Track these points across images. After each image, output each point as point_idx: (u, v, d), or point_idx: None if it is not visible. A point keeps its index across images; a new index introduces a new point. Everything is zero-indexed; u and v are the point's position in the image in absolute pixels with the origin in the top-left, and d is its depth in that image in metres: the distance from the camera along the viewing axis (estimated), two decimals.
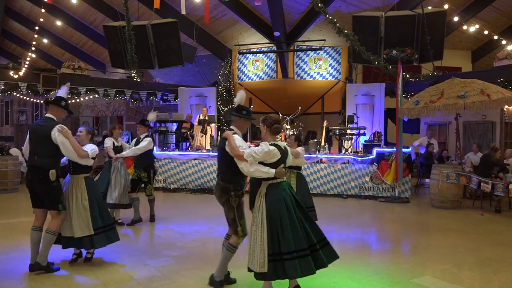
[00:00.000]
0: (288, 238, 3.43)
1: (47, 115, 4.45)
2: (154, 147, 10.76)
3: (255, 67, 13.85)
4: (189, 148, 11.12)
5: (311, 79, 13.35)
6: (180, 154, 10.56)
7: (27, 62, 13.60)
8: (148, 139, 6.55)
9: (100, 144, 9.31)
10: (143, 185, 6.77)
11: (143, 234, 6.18)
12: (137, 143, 6.59)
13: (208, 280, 3.94)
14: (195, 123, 12.04)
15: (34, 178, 4.26)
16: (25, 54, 16.49)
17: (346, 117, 11.56)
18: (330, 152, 10.47)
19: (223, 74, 14.30)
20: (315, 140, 11.02)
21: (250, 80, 13.99)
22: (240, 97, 3.96)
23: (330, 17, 9.90)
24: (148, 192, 6.75)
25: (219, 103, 13.89)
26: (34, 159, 4.27)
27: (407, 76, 10.49)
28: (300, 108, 11.17)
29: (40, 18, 13.88)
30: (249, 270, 3.64)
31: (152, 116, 7.03)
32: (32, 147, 4.34)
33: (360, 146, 10.69)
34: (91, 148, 4.53)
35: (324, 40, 11.57)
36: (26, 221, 6.72)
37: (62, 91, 4.71)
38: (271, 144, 3.59)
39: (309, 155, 9.87)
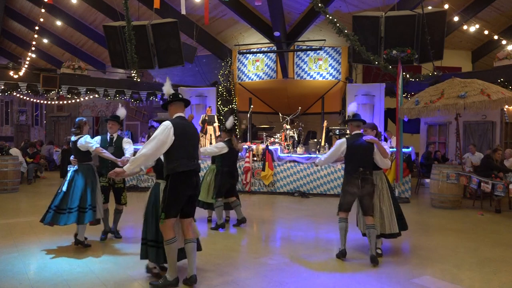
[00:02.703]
0: None
1: (179, 114, 4.05)
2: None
3: (255, 67, 13.85)
4: None
5: (311, 79, 13.35)
6: None
7: (27, 62, 13.60)
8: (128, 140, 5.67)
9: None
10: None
11: None
12: (111, 143, 5.57)
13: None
14: (199, 123, 12.03)
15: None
16: (25, 54, 16.48)
17: (346, 117, 11.55)
18: None
19: (223, 74, 14.30)
20: (315, 140, 11.03)
21: (250, 80, 14.00)
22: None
23: (330, 17, 9.89)
24: (124, 200, 5.66)
25: (219, 103, 13.90)
26: (194, 163, 3.90)
27: (407, 76, 10.48)
28: (300, 108, 11.17)
29: (40, 18, 13.87)
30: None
31: (122, 112, 5.73)
32: (189, 150, 3.91)
33: None
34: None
35: (324, 40, 11.58)
36: (25, 221, 6.73)
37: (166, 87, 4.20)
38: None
39: (309, 155, 9.89)
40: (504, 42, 11.90)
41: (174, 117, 4.01)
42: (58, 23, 16.10)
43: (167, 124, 3.80)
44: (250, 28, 12.63)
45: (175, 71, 15.66)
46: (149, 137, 6.25)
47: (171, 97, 4.07)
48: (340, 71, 13.31)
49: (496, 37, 12.15)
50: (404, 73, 9.92)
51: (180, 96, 4.13)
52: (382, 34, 10.41)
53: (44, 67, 15.23)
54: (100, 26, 13.59)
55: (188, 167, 3.81)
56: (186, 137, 3.86)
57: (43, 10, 13.72)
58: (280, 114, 11.18)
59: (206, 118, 11.81)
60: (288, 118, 10.84)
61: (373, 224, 4.73)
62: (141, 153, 3.71)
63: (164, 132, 3.74)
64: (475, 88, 7.45)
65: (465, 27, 12.08)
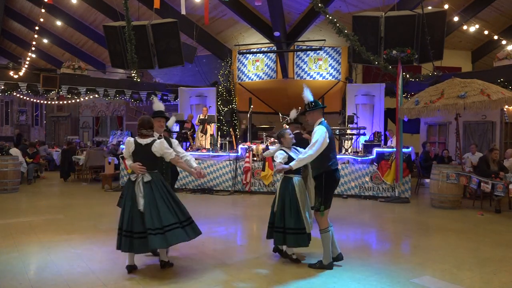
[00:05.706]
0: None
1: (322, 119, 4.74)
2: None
3: (255, 67, 13.85)
4: (189, 148, 11.12)
5: (311, 79, 13.35)
6: None
7: (27, 62, 13.62)
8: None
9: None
10: None
11: None
12: None
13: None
14: (196, 122, 12.03)
15: None
16: (25, 54, 16.51)
17: (346, 117, 11.56)
18: None
19: (223, 74, 14.31)
20: None
21: (250, 80, 14.00)
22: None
23: (330, 17, 9.89)
24: None
25: (219, 103, 13.90)
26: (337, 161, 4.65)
27: (407, 76, 10.48)
28: (300, 108, 11.15)
29: (40, 18, 13.89)
30: None
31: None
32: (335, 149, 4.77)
33: (360, 146, 10.69)
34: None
35: (324, 40, 11.57)
36: (26, 221, 6.73)
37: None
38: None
39: None
40: (504, 42, 11.91)
41: (320, 121, 4.51)
42: (58, 23, 16.11)
43: (323, 128, 4.39)
44: (250, 28, 12.63)
45: (175, 71, 15.68)
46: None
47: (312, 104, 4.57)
48: (340, 71, 13.31)
49: (496, 37, 12.16)
50: (404, 73, 9.92)
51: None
52: (382, 34, 10.40)
53: (44, 67, 15.27)
54: (100, 26, 13.60)
55: (337, 165, 4.55)
56: (333, 138, 4.58)
57: (43, 10, 13.74)
58: (280, 114, 11.17)
59: (206, 118, 11.82)
60: (288, 118, 10.83)
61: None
62: (308, 154, 4.30)
63: (323, 135, 4.32)
64: (475, 88, 7.45)
65: (465, 27, 12.09)
